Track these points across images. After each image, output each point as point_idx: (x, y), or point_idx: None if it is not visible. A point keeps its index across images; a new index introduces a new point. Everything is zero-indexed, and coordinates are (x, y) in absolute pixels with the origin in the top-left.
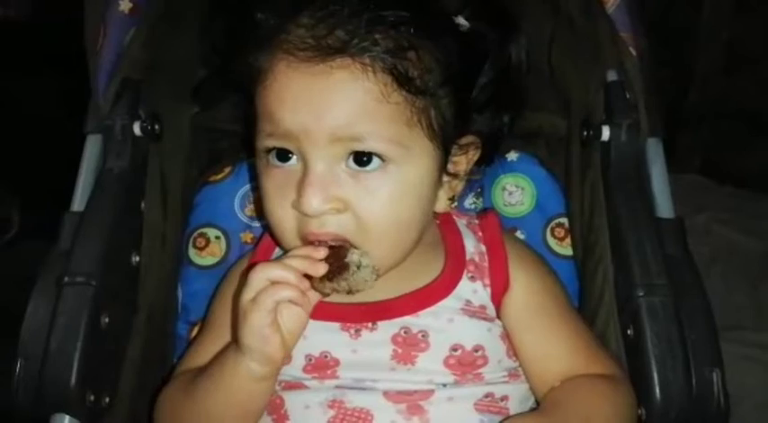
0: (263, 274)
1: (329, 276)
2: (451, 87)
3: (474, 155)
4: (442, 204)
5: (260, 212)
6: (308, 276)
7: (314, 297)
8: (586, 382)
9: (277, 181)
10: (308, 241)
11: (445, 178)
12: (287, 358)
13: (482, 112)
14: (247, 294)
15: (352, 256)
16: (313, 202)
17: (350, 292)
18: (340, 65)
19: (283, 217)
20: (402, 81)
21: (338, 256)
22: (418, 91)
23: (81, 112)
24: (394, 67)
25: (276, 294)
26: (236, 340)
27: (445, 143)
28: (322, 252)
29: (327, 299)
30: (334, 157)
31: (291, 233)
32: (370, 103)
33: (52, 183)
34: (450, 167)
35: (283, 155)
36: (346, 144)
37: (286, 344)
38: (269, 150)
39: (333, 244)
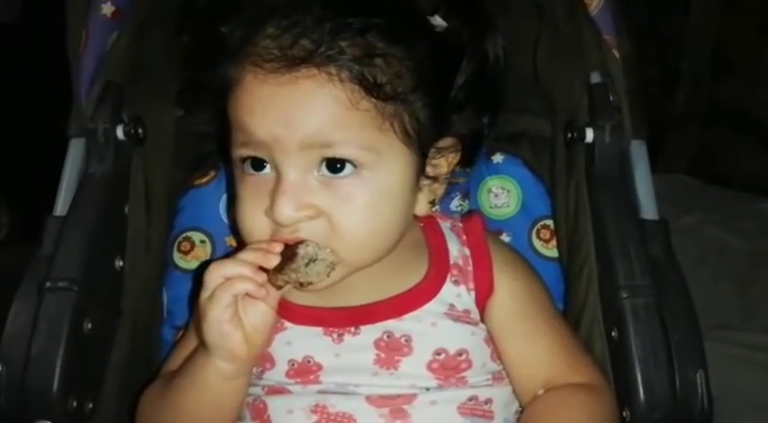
0: (217, 272)
1: (280, 267)
2: (425, 90)
3: (454, 157)
4: (422, 208)
5: (233, 219)
6: (265, 270)
7: (273, 290)
8: (566, 395)
9: (251, 189)
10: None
11: (425, 182)
12: (266, 361)
13: (460, 113)
14: (204, 293)
15: (306, 249)
16: (285, 210)
17: (302, 285)
18: (305, 75)
19: (257, 225)
20: (370, 88)
21: (292, 249)
22: (388, 97)
23: (69, 114)
24: (361, 74)
25: (232, 288)
26: (201, 341)
27: (421, 147)
28: (278, 247)
29: (310, 303)
30: (306, 165)
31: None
32: (339, 111)
33: (43, 185)
34: (430, 171)
35: (258, 164)
36: (317, 151)
37: (251, 340)
38: (243, 160)
39: (291, 242)
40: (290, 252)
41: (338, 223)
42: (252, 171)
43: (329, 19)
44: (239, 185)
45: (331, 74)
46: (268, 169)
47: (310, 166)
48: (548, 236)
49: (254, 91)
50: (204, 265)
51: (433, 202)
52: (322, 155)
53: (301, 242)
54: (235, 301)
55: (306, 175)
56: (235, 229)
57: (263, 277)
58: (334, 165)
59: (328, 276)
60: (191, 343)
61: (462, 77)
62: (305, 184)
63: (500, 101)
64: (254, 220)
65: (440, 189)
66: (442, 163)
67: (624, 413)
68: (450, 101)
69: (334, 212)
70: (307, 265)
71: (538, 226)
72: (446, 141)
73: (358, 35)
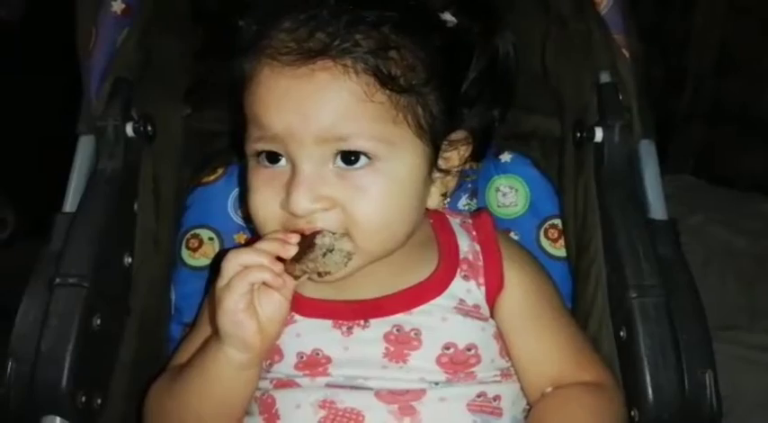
0: (235, 261)
1: (298, 258)
2: (437, 84)
3: (466, 150)
4: (434, 201)
5: (247, 213)
6: (281, 260)
7: (290, 281)
8: (574, 394)
9: (266, 181)
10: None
11: (437, 174)
12: (275, 353)
13: (471, 107)
14: (221, 281)
15: (323, 239)
16: (302, 202)
17: (320, 274)
18: (321, 67)
19: (272, 217)
20: (384, 80)
21: (309, 240)
22: (402, 89)
23: (76, 111)
24: (376, 66)
25: (249, 276)
26: (215, 330)
27: (434, 139)
28: (294, 237)
29: (320, 296)
30: (321, 157)
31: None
32: (354, 103)
33: (50, 182)
34: (442, 163)
35: (273, 157)
36: (332, 144)
37: (265, 330)
38: (258, 153)
39: (307, 232)
40: (306, 242)
41: (353, 214)
42: (267, 164)
43: (344, 12)
44: (253, 178)
45: (347, 66)
46: (283, 162)
47: (325, 159)
48: (556, 235)
49: (270, 84)
50: (222, 255)
51: (445, 195)
52: (337, 147)
53: (318, 232)
54: (251, 291)
55: (321, 166)
56: (249, 222)
57: (280, 267)
58: (349, 157)
59: (345, 266)
60: (198, 338)
61: (473, 72)
62: (320, 176)
63: (510, 95)
64: (270, 212)
65: (452, 182)
66: (454, 156)
67: (632, 413)
68: (462, 95)
69: (349, 203)
70: (324, 255)
71: (546, 225)
72: (458, 134)
73: (373, 28)
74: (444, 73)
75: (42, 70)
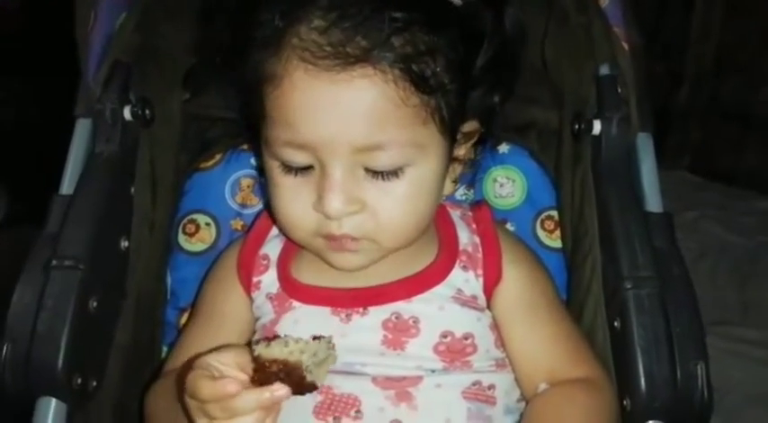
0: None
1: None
2: (458, 78)
3: (473, 138)
4: (448, 188)
5: (248, 200)
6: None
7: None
8: (567, 395)
9: (294, 183)
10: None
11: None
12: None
13: (474, 90)
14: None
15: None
16: (335, 204)
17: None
18: (361, 73)
19: (303, 218)
20: (419, 83)
21: (292, 377)
22: (432, 90)
23: (71, 103)
24: (411, 70)
25: None
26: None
27: (453, 133)
28: (283, 390)
29: (319, 283)
30: (353, 162)
31: (309, 233)
32: (391, 110)
33: (44, 167)
34: (455, 153)
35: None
36: (367, 153)
37: None
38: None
39: (277, 365)
40: (286, 376)
41: (381, 215)
42: (294, 166)
43: (377, 12)
44: (279, 178)
45: (385, 72)
46: (312, 164)
47: (357, 163)
48: (552, 226)
49: (306, 88)
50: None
51: (455, 182)
52: (371, 157)
53: (295, 369)
54: None
55: (353, 169)
56: (246, 208)
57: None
58: None
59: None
60: (198, 328)
61: (483, 59)
62: (352, 179)
63: (515, 78)
64: (300, 214)
65: (459, 168)
66: (465, 145)
67: (625, 402)
68: (473, 80)
69: (377, 205)
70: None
71: (542, 216)
72: (471, 126)
73: (405, 30)
74: (463, 65)
75: (41, 68)
